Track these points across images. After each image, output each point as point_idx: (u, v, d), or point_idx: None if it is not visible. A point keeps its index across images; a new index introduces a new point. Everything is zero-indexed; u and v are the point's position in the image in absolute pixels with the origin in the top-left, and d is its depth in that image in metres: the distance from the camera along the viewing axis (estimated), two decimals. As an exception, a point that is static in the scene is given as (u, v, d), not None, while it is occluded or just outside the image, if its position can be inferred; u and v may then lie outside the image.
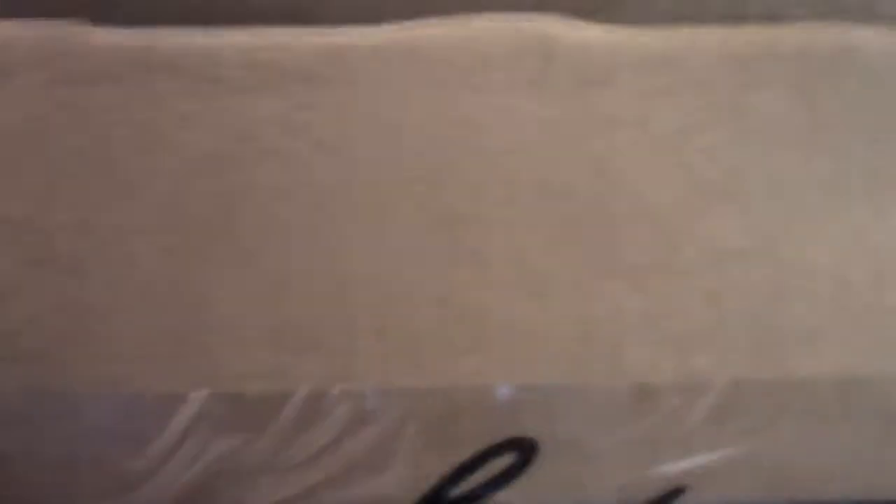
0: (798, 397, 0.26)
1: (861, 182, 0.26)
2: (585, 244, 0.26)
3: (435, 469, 0.25)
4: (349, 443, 0.25)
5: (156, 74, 0.25)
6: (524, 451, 0.25)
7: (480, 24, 0.26)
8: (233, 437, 0.25)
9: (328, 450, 0.25)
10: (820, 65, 0.26)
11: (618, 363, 0.26)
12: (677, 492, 0.25)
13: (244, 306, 0.25)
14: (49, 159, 0.25)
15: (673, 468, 0.25)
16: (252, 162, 0.25)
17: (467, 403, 0.25)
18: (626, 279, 0.26)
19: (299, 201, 0.25)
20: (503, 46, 0.26)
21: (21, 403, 0.25)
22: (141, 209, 0.25)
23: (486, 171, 0.26)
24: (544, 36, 0.26)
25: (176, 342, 0.25)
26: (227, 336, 0.25)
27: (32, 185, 0.25)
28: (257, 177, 0.25)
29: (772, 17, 0.26)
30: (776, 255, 0.26)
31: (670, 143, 0.26)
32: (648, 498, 0.25)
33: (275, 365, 0.25)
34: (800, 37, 0.26)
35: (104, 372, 0.25)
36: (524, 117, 0.26)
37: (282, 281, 0.25)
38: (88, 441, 0.25)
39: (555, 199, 0.26)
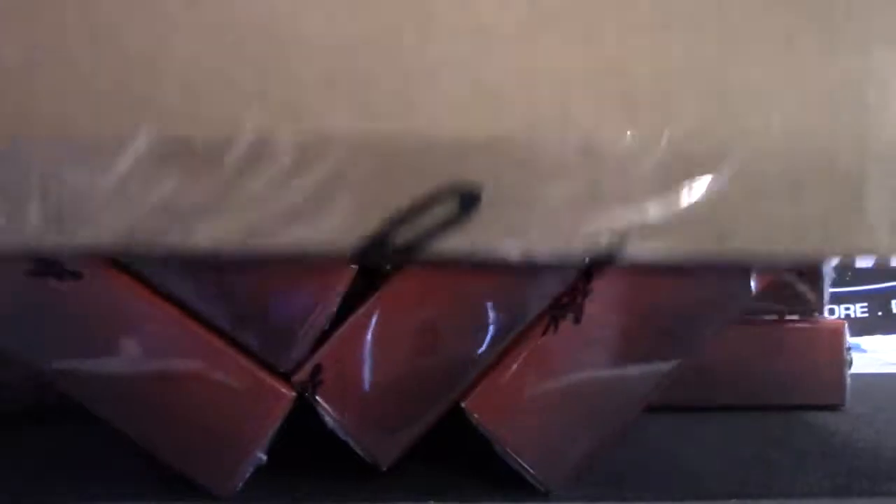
0: (744, 154, 0.26)
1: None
2: (533, -3, 0.26)
3: (378, 215, 0.25)
4: (292, 187, 0.25)
5: None
6: (466, 196, 0.25)
7: None
8: (177, 178, 0.25)
9: (272, 194, 0.25)
10: None
11: (564, 116, 0.25)
12: (621, 242, 0.25)
13: (193, 50, 0.25)
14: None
15: (618, 220, 0.25)
16: None
17: (411, 150, 0.25)
18: (573, 32, 0.26)
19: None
20: None
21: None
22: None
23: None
24: None
25: (120, 85, 0.25)
26: (174, 79, 0.25)
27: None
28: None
29: None
30: (726, 17, 0.26)
31: None
32: (593, 247, 0.25)
33: (221, 109, 0.25)
34: None
35: (46, 115, 0.25)
36: None
37: (231, 27, 0.25)
38: (32, 182, 0.25)
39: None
